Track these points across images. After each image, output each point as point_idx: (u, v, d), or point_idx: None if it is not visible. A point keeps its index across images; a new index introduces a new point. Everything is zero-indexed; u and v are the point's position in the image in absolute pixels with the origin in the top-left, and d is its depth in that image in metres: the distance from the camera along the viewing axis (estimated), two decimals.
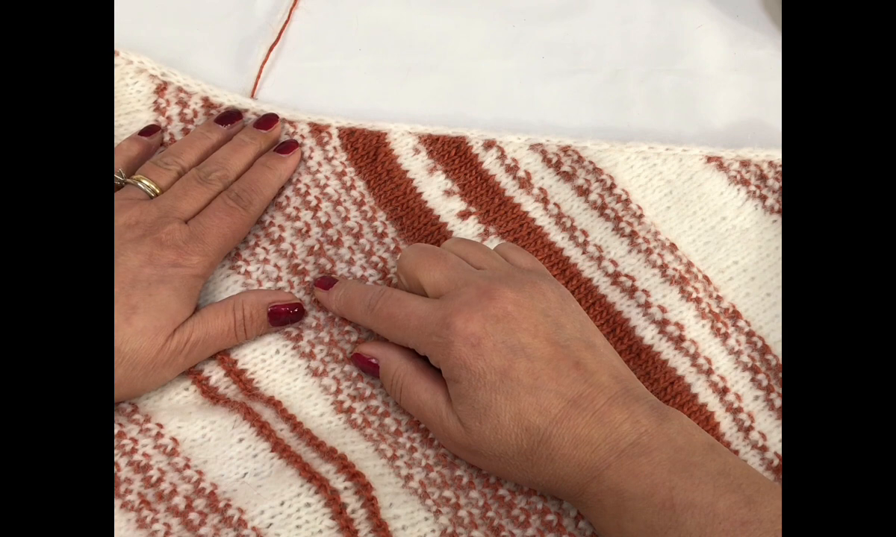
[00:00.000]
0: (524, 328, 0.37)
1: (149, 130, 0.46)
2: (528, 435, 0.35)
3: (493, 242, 0.45)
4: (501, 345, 0.36)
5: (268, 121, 0.46)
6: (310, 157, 0.46)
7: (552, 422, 0.35)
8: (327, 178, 0.46)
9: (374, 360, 0.40)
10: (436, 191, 0.46)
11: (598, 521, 0.36)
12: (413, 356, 0.39)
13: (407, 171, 0.47)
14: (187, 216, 0.41)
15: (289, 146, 0.45)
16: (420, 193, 0.46)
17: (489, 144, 0.47)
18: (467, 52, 0.52)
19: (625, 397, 0.36)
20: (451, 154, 0.47)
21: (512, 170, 0.46)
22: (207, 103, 0.47)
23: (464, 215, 0.46)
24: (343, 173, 0.46)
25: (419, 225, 0.45)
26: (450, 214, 0.46)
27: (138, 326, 0.37)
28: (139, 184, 0.42)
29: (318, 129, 0.47)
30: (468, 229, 0.45)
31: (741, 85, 0.51)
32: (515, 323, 0.37)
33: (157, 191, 0.42)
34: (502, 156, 0.47)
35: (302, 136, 0.47)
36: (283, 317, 0.41)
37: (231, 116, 0.46)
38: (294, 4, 0.52)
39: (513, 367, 0.36)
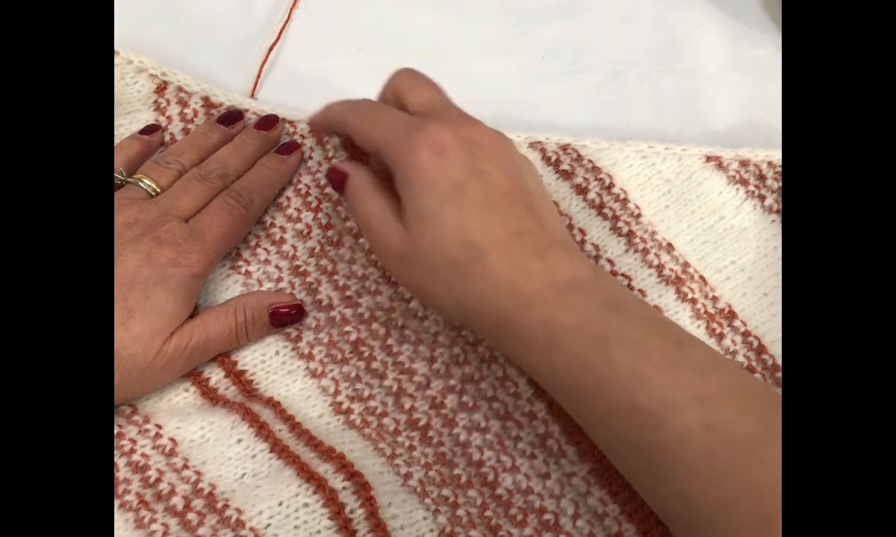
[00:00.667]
0: (491, 159, 0.37)
1: (149, 129, 0.46)
2: (466, 249, 0.35)
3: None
4: (464, 163, 0.36)
5: (268, 122, 0.46)
6: (310, 158, 0.46)
7: (493, 244, 0.35)
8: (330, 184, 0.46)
9: (345, 174, 0.39)
10: None
11: (524, 354, 0.36)
12: (379, 177, 0.39)
13: None
14: (187, 214, 0.41)
15: (289, 147, 0.45)
16: None
17: None
18: (467, 52, 0.52)
19: (567, 245, 0.37)
20: None
21: None
22: (208, 103, 0.47)
23: None
24: None
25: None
26: None
27: (134, 331, 0.37)
28: (140, 184, 0.41)
29: None
30: None
31: (741, 85, 0.51)
32: (485, 152, 0.37)
33: (158, 191, 0.42)
34: None
35: (302, 136, 0.47)
36: (285, 319, 0.41)
37: (232, 117, 0.46)
38: (294, 4, 0.52)
39: (468, 183, 0.36)
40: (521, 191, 0.37)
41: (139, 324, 0.37)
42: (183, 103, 0.47)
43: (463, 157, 0.36)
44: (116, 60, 0.46)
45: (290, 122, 0.47)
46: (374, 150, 0.39)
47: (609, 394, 0.33)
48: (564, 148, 0.46)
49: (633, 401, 0.32)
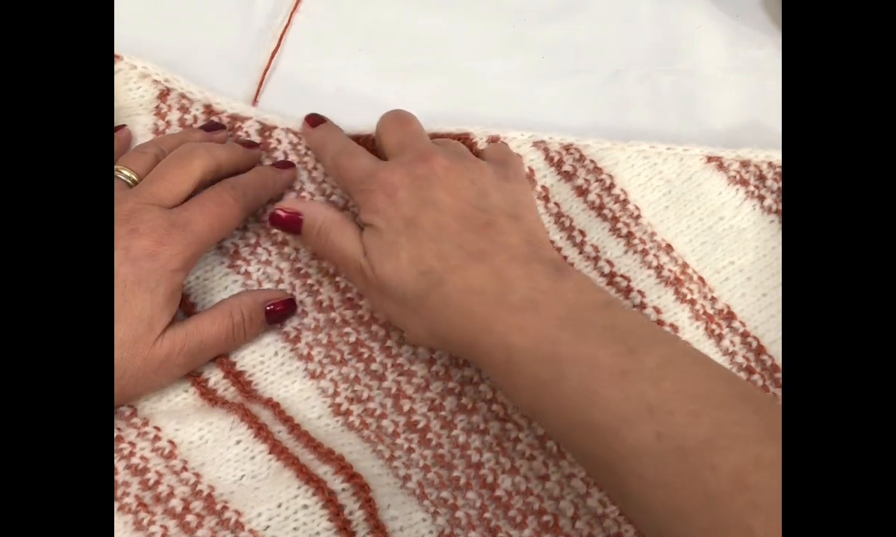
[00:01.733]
0: (444, 187, 0.38)
1: (115, 128, 0.45)
2: (425, 278, 0.36)
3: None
4: (415, 198, 0.38)
5: (249, 144, 0.45)
6: (314, 168, 0.46)
7: (447, 269, 0.36)
8: (334, 187, 0.45)
9: (298, 215, 0.40)
10: None
11: (493, 377, 0.37)
12: (336, 209, 0.42)
13: None
14: (167, 202, 0.39)
15: (286, 163, 0.45)
16: None
17: (493, 140, 0.47)
18: (467, 52, 0.52)
19: (528, 257, 0.37)
20: None
21: None
22: (209, 110, 0.47)
23: None
24: None
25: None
26: None
27: (116, 337, 0.36)
28: (119, 175, 0.40)
29: None
30: None
31: (741, 85, 0.51)
32: (437, 182, 0.38)
33: (136, 180, 0.40)
34: None
35: (307, 147, 0.46)
36: (280, 315, 0.41)
37: (215, 126, 0.45)
38: (295, 8, 0.52)
39: (420, 216, 0.37)
40: (477, 212, 0.38)
41: (121, 330, 0.36)
42: (184, 109, 0.47)
43: (413, 193, 0.38)
44: (120, 65, 0.46)
45: (295, 133, 0.47)
46: (345, 193, 0.43)
47: (565, 412, 0.33)
48: (567, 148, 0.46)
49: (587, 418, 0.33)
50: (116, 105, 0.46)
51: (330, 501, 0.35)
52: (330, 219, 0.40)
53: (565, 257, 0.44)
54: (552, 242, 0.45)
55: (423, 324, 0.37)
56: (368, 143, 0.46)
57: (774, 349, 0.42)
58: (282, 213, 0.40)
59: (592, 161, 0.46)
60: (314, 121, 0.45)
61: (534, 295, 0.35)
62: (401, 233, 0.37)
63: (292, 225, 0.41)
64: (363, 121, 0.48)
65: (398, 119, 0.43)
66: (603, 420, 0.32)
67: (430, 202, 0.38)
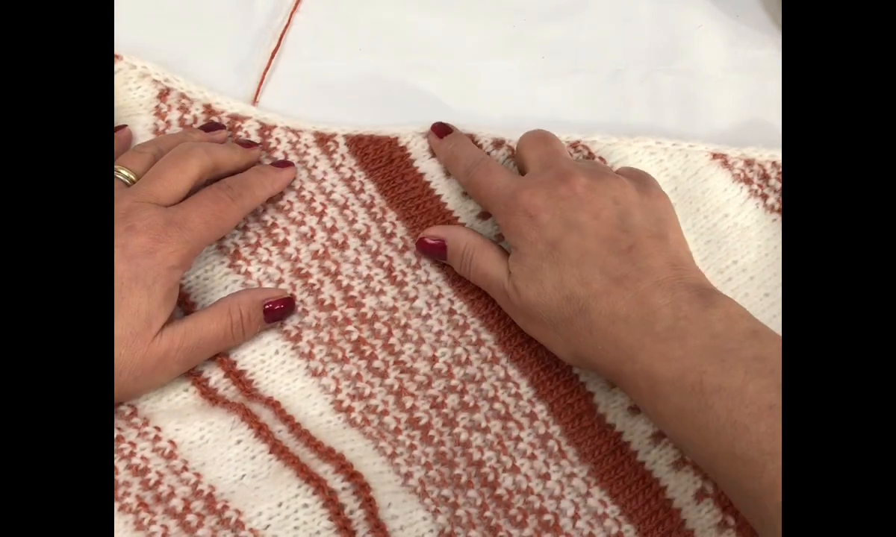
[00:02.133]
0: (586, 209, 0.38)
1: (115, 128, 0.45)
2: (569, 304, 0.37)
3: (503, 245, 0.45)
4: (558, 220, 0.38)
5: (248, 144, 0.45)
6: (314, 167, 0.46)
7: (592, 295, 0.37)
8: (334, 186, 0.45)
9: (442, 242, 0.43)
10: (454, 192, 0.46)
11: (638, 403, 0.37)
12: (478, 233, 0.43)
13: (424, 174, 0.47)
14: (164, 200, 0.39)
15: (285, 163, 0.45)
16: (439, 195, 0.46)
17: (498, 144, 0.47)
18: (467, 52, 0.52)
19: (673, 283, 0.37)
20: None
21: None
22: (209, 110, 0.47)
23: (483, 216, 0.46)
24: (352, 178, 0.46)
25: (433, 224, 0.45)
26: (470, 215, 0.46)
27: (115, 334, 0.36)
28: (117, 175, 0.40)
29: (323, 139, 0.47)
30: (486, 229, 0.45)
31: (741, 85, 0.51)
32: (579, 203, 0.39)
33: (134, 179, 0.40)
34: (512, 155, 0.47)
35: (306, 146, 0.46)
36: (278, 314, 0.41)
37: (214, 126, 0.46)
38: (295, 8, 0.52)
39: (563, 240, 0.38)
40: (620, 234, 0.38)
41: (118, 327, 0.36)
42: (184, 109, 0.47)
43: (556, 216, 0.38)
44: (120, 65, 0.46)
45: (294, 132, 0.47)
46: (485, 209, 0.44)
47: (710, 442, 0.33)
48: (574, 145, 0.46)
49: (731, 449, 0.32)
50: (116, 105, 0.46)
51: (330, 500, 0.35)
52: (472, 245, 0.42)
53: None
54: None
55: (569, 346, 0.38)
56: (373, 143, 0.46)
57: None
58: (428, 241, 0.43)
59: (602, 158, 0.46)
60: (441, 131, 0.46)
61: (679, 323, 0.35)
62: (544, 258, 0.38)
63: (438, 251, 0.43)
64: (363, 121, 0.48)
65: (541, 137, 0.44)
66: (749, 454, 0.32)
67: (573, 225, 0.38)
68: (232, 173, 0.43)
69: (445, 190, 0.46)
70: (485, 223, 0.45)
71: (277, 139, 0.46)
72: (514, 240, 0.40)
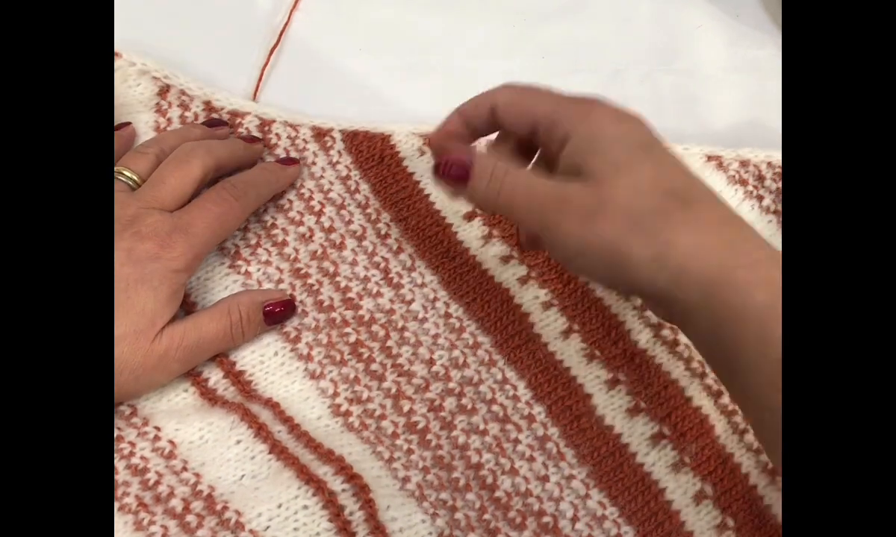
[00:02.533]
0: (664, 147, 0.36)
1: (119, 126, 0.45)
2: (671, 197, 0.33)
3: (495, 246, 0.45)
4: (644, 128, 0.35)
5: (252, 138, 0.45)
6: (313, 163, 0.46)
7: (701, 192, 0.33)
8: (331, 183, 0.46)
9: (463, 163, 0.36)
10: (442, 192, 0.46)
11: (729, 325, 0.32)
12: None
13: (413, 173, 0.47)
14: (169, 205, 0.39)
15: (289, 160, 0.45)
16: (427, 194, 0.46)
17: None
18: (467, 52, 0.52)
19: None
20: None
21: None
22: (209, 107, 0.47)
23: (469, 216, 0.46)
24: (347, 177, 0.46)
25: (424, 226, 0.45)
26: (455, 215, 0.46)
27: (118, 332, 0.36)
28: (120, 177, 0.40)
29: (320, 134, 0.47)
30: (472, 231, 0.45)
31: (741, 85, 0.51)
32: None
33: (138, 182, 0.40)
34: None
35: (305, 141, 0.46)
36: (279, 316, 0.41)
37: (216, 123, 0.46)
38: (294, 6, 0.52)
39: (656, 143, 0.35)
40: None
41: (122, 325, 0.36)
42: (184, 106, 0.47)
43: (641, 125, 0.36)
44: (119, 63, 0.46)
45: (293, 126, 0.47)
46: (531, 120, 0.37)
47: None
48: None
49: None
50: (117, 103, 0.46)
51: (330, 502, 0.35)
52: (503, 164, 0.36)
53: None
54: None
55: (653, 247, 0.32)
56: (367, 140, 0.46)
57: None
58: (448, 162, 0.37)
59: None
60: (459, 172, 0.38)
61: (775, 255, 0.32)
62: (639, 150, 0.34)
63: (457, 176, 0.37)
64: (363, 120, 0.48)
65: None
66: None
67: (658, 143, 0.35)
68: (237, 169, 0.43)
69: (434, 189, 0.46)
70: (471, 224, 0.45)
71: (277, 135, 0.46)
72: (597, 130, 0.34)
